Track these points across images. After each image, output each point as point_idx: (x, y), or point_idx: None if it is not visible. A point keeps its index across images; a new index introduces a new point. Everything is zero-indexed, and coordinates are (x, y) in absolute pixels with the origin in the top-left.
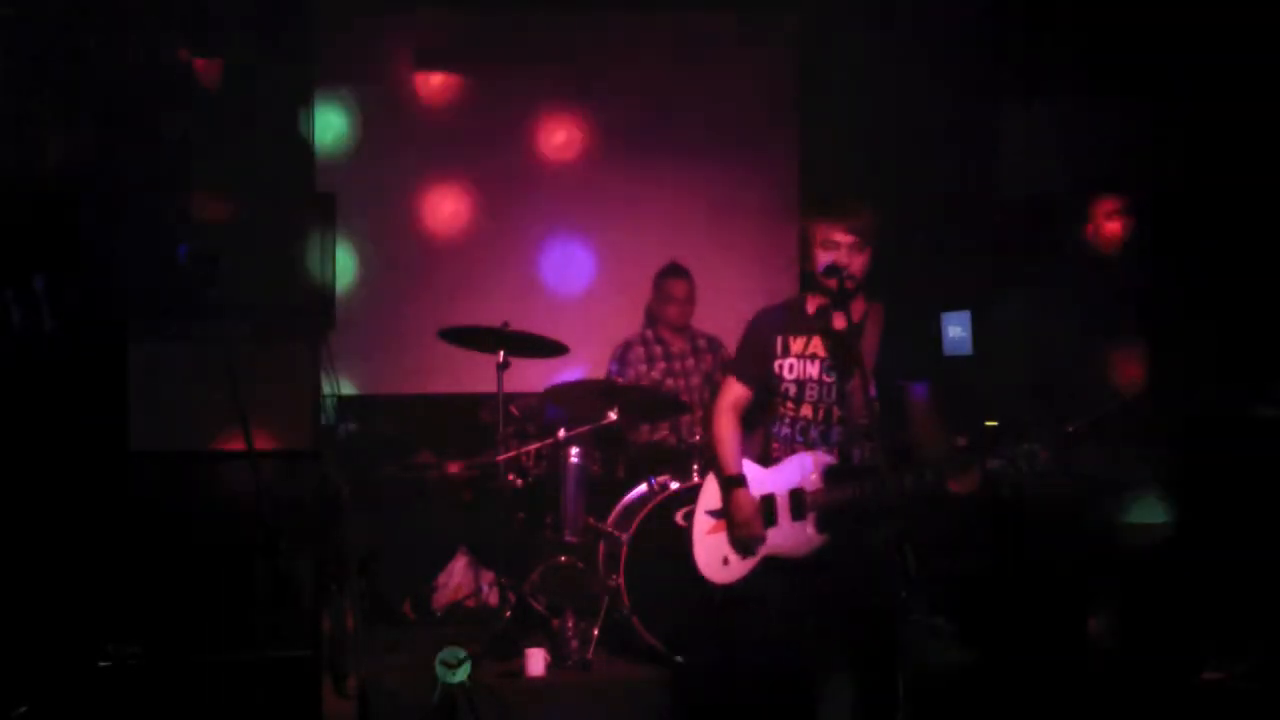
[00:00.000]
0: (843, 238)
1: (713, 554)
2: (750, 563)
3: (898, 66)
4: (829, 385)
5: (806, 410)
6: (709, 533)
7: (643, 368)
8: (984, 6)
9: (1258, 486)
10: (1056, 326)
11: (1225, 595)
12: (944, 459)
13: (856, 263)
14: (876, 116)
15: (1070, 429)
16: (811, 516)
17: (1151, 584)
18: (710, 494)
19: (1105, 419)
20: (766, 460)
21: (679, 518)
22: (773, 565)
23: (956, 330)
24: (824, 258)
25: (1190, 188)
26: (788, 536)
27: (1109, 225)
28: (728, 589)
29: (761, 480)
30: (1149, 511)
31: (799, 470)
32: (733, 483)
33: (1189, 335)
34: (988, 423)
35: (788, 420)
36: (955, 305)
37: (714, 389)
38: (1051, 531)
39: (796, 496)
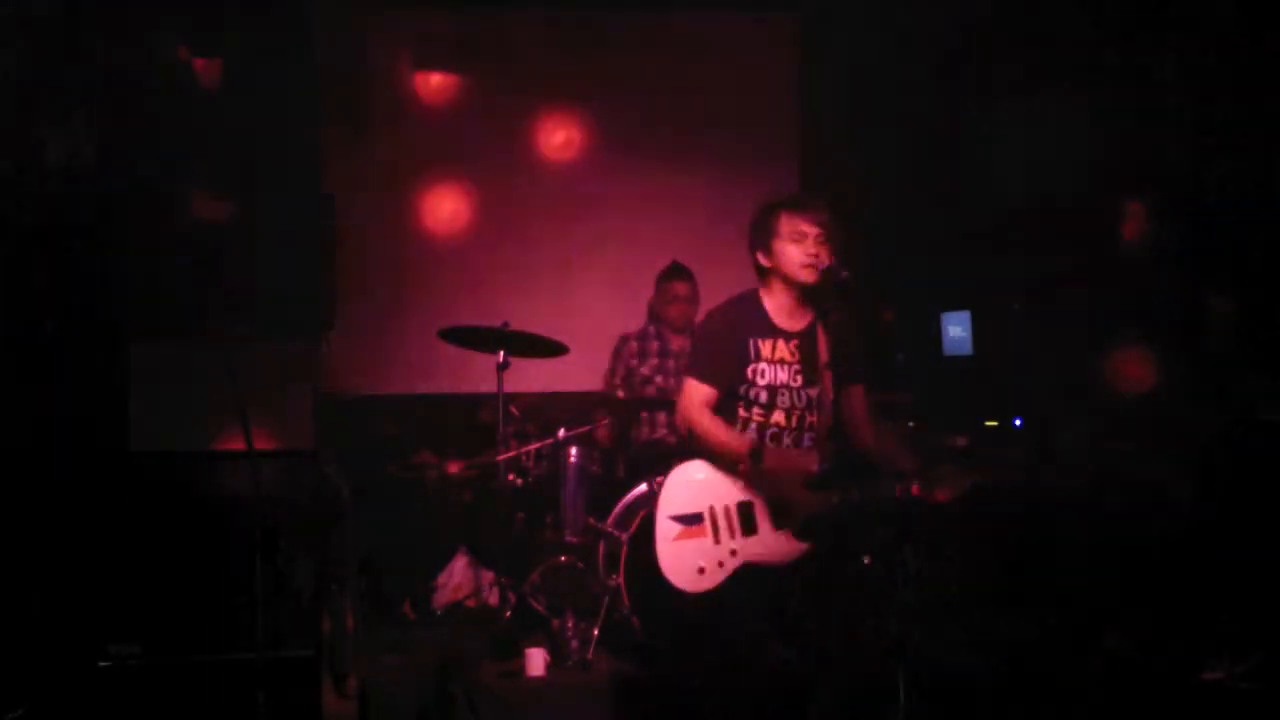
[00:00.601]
0: (810, 229)
1: (683, 561)
2: (727, 570)
3: (898, 66)
4: (798, 390)
5: (779, 417)
6: (675, 539)
7: (634, 362)
8: (983, 6)
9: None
10: (1074, 326)
11: (1226, 595)
12: (920, 469)
13: (823, 254)
14: (876, 116)
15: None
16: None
17: (1152, 584)
18: (670, 498)
19: (1121, 418)
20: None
21: None
22: (752, 573)
23: (956, 330)
24: (791, 251)
25: (1192, 187)
26: (768, 545)
27: (1136, 226)
28: (701, 597)
29: (734, 487)
30: (1158, 511)
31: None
32: (758, 455)
33: (1206, 336)
34: (988, 422)
35: (754, 426)
36: (955, 305)
37: None
38: (1055, 530)
39: (777, 504)
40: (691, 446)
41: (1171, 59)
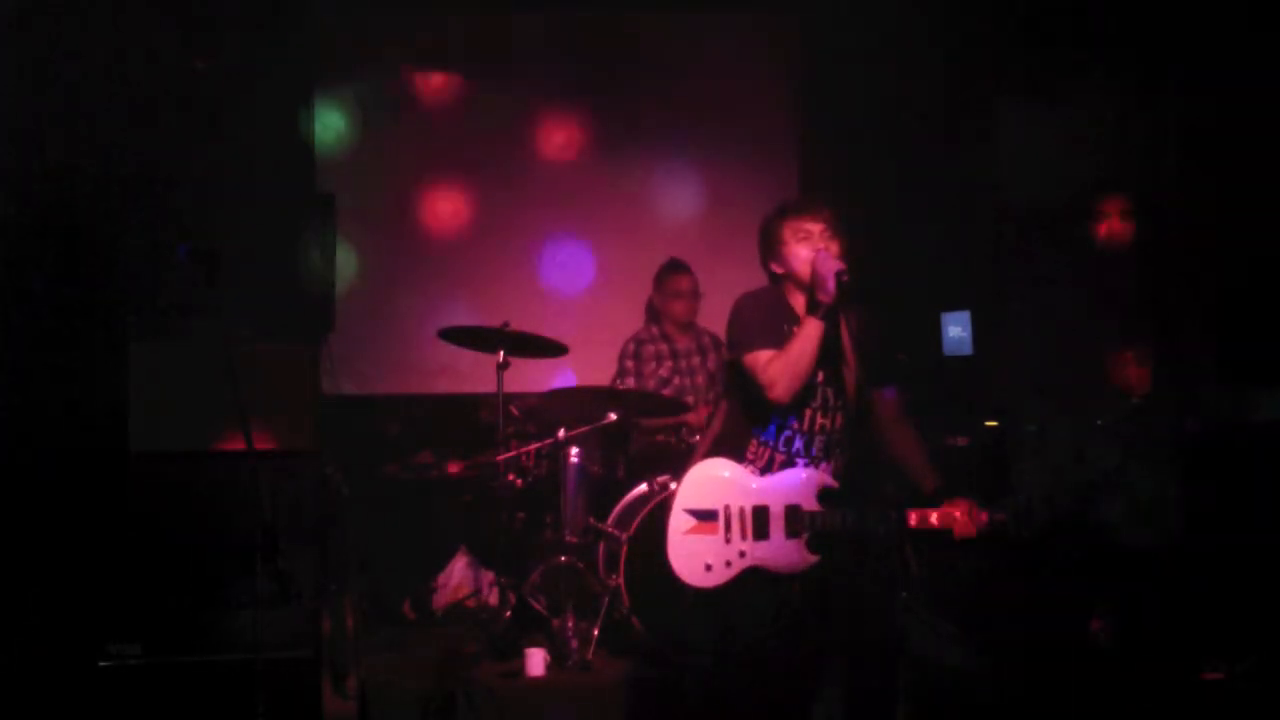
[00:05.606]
0: (814, 226)
1: (692, 556)
2: (734, 571)
3: (898, 66)
4: (818, 387)
5: (794, 422)
6: (687, 533)
7: (652, 365)
8: (984, 6)
9: (1260, 486)
10: (1064, 326)
11: (1225, 595)
12: (938, 492)
13: (834, 249)
14: (876, 116)
15: (1099, 424)
16: (805, 536)
17: (1151, 584)
18: (688, 492)
19: (1118, 418)
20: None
21: None
22: (758, 577)
23: (956, 330)
24: (801, 251)
25: (1189, 188)
26: (778, 552)
27: (1120, 225)
28: (704, 594)
29: (752, 490)
30: (1152, 510)
31: (795, 486)
32: (815, 305)
33: (1195, 335)
34: (987, 423)
35: (775, 426)
36: (955, 305)
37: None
38: (1053, 530)
39: (793, 513)
40: (797, 390)
41: (1166, 64)
